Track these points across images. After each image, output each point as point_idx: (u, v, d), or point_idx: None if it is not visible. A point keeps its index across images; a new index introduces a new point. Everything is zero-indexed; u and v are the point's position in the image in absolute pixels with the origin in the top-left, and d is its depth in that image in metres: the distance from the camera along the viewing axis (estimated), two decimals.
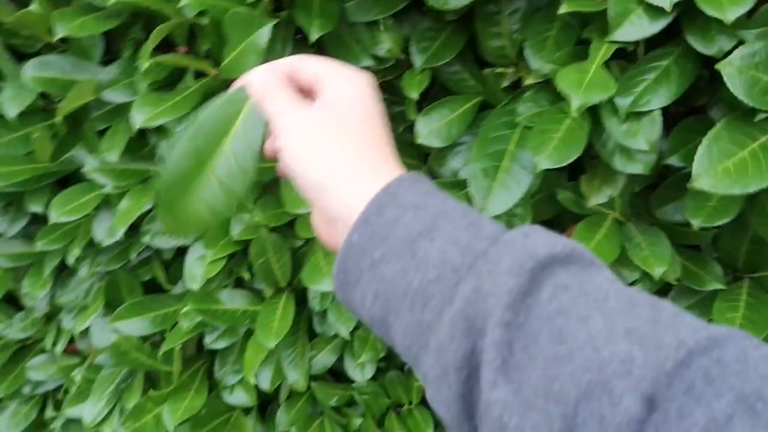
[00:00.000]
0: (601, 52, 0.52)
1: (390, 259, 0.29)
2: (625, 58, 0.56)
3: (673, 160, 0.57)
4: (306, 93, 0.36)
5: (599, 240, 0.60)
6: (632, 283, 0.66)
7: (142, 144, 0.76)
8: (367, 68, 0.68)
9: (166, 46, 0.68)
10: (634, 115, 0.54)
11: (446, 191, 0.32)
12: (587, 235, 0.60)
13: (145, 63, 0.60)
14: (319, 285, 0.72)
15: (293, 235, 0.76)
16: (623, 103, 0.53)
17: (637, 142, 0.53)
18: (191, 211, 0.36)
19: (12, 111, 0.71)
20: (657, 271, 0.58)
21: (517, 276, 0.25)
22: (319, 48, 0.67)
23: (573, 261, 0.27)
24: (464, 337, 0.26)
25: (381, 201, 0.30)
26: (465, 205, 0.31)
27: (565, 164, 0.53)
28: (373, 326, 0.31)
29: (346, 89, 0.34)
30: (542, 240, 0.27)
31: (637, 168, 0.56)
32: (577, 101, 0.50)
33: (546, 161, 0.53)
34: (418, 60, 0.62)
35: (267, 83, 0.35)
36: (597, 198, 0.63)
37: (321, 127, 0.33)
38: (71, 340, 0.96)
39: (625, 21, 0.51)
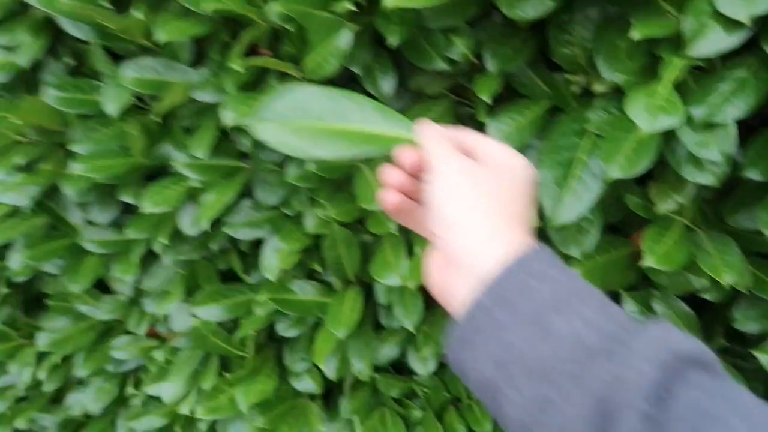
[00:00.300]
0: (673, 72, 0.52)
1: (515, 326, 0.29)
2: (700, 67, 0.56)
3: (753, 174, 0.57)
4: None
5: (668, 246, 0.60)
6: (701, 291, 0.66)
7: (226, 141, 0.81)
8: (440, 72, 0.71)
9: (249, 49, 0.73)
10: (709, 126, 0.54)
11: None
12: (656, 240, 0.60)
13: (237, 65, 0.65)
14: (387, 279, 0.75)
15: (364, 230, 0.80)
16: (698, 113, 0.54)
17: (710, 153, 0.54)
18: (281, 126, 0.40)
19: (111, 109, 0.78)
20: (726, 279, 0.58)
21: (658, 369, 0.25)
22: (395, 51, 0.70)
23: (708, 363, 0.27)
24: (596, 421, 0.26)
25: (513, 267, 0.31)
26: (591, 285, 0.32)
27: (636, 174, 0.54)
28: (481, 389, 0.31)
29: (506, 160, 0.36)
30: (680, 337, 0.28)
31: (707, 179, 0.56)
32: (646, 127, 0.51)
33: (617, 170, 0.54)
34: (490, 64, 0.64)
35: (440, 135, 0.38)
36: (666, 205, 0.63)
37: (473, 175, 0.35)
38: (152, 324, 1.04)
39: (700, 36, 0.51)
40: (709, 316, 0.72)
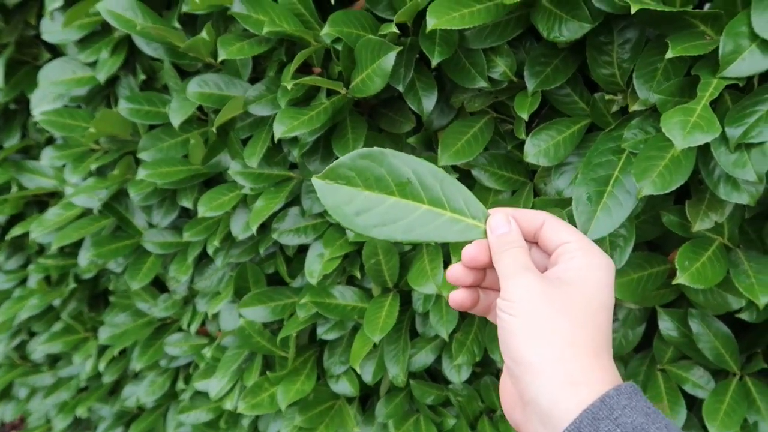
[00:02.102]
0: (709, 91, 0.53)
1: None
2: (737, 87, 0.57)
3: None
4: (533, 242, 0.37)
5: (702, 263, 0.60)
6: (737, 311, 0.66)
7: (277, 152, 0.86)
8: (481, 89, 0.74)
9: (303, 66, 0.78)
10: (745, 146, 0.55)
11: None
12: (690, 258, 0.61)
13: (288, 83, 0.70)
14: (424, 287, 0.78)
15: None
16: (733, 133, 0.54)
17: (746, 173, 0.54)
18: (347, 191, 0.38)
19: (176, 120, 0.85)
20: (762, 300, 0.58)
21: None
22: (438, 69, 0.74)
23: None
24: None
25: (597, 413, 0.29)
26: (674, 426, 0.30)
27: (668, 191, 0.55)
28: None
29: (590, 272, 0.34)
30: None
31: (743, 198, 0.56)
32: (680, 143, 0.51)
33: (649, 187, 0.55)
34: (530, 83, 0.67)
35: (512, 234, 0.36)
36: (702, 224, 0.63)
37: (550, 304, 0.32)
38: (203, 322, 1.10)
39: (737, 57, 0.52)
40: (750, 337, 0.71)
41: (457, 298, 0.39)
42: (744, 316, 0.65)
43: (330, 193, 0.38)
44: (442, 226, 0.37)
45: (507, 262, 0.35)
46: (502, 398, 0.38)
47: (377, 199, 0.38)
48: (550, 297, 0.33)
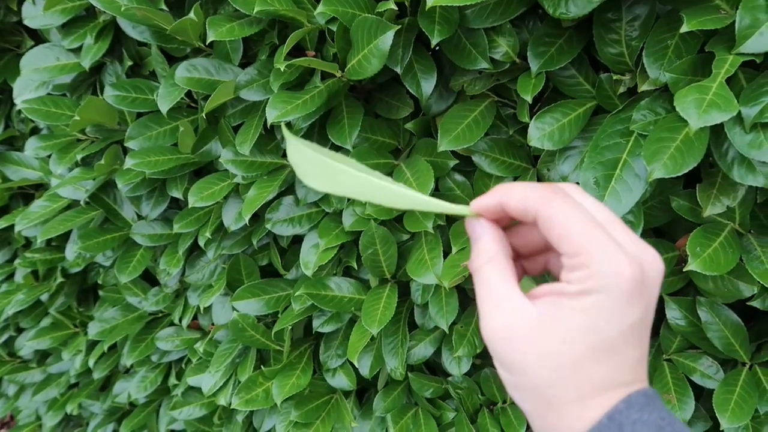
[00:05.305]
0: (725, 68, 0.50)
1: None
2: (753, 66, 0.55)
3: None
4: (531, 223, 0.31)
5: (714, 248, 0.58)
6: (749, 299, 0.64)
7: (270, 139, 0.83)
8: (481, 71, 0.71)
9: (295, 49, 0.75)
10: (761, 126, 0.52)
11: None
12: (701, 244, 0.59)
13: (281, 65, 0.67)
14: (423, 278, 0.75)
15: (401, 228, 0.80)
16: (749, 113, 0.52)
17: (762, 154, 0.52)
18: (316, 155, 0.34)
19: (164, 107, 0.81)
20: None
21: None
22: (437, 50, 0.71)
23: None
24: None
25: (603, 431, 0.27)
26: None
27: (680, 174, 0.53)
28: None
29: (616, 288, 0.28)
30: None
31: (759, 181, 0.54)
32: (695, 122, 0.49)
33: (660, 170, 0.53)
34: (534, 64, 0.64)
35: (496, 255, 0.31)
36: (713, 208, 0.61)
37: (561, 332, 0.28)
38: (195, 316, 1.07)
39: (754, 32, 0.49)
40: (759, 326, 0.69)
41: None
42: (756, 303, 0.62)
43: (296, 150, 0.34)
44: (420, 199, 0.34)
45: (487, 284, 0.30)
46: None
47: (347, 173, 0.34)
48: (564, 324, 0.28)
